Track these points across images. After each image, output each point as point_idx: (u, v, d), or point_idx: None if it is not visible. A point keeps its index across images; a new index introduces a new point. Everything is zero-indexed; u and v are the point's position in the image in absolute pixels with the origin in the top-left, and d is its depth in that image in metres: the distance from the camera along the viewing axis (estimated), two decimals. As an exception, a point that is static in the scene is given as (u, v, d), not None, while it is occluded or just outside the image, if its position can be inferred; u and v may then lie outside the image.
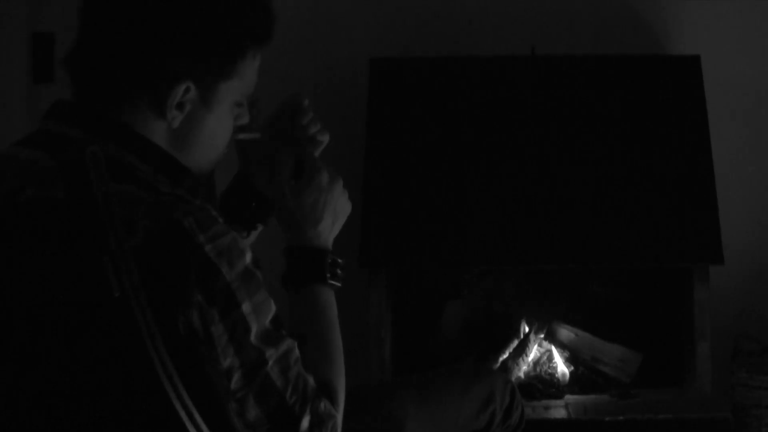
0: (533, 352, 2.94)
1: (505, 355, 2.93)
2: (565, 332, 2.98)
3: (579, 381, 2.92)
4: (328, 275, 1.51)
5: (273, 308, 1.35)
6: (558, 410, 2.75)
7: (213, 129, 1.42)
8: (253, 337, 1.30)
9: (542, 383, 2.87)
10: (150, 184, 1.31)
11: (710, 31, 3.12)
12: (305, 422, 1.36)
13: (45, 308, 1.26)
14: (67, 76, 1.41)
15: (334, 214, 1.53)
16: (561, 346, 2.96)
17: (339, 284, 1.52)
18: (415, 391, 1.80)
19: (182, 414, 1.23)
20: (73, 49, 1.40)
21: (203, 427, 1.24)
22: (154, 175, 1.34)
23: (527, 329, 2.98)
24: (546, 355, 2.94)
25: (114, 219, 1.23)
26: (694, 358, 2.80)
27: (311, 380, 1.38)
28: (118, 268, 1.21)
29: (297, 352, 1.37)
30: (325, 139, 1.61)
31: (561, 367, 2.92)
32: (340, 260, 1.53)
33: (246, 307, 1.29)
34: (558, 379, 2.89)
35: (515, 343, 2.95)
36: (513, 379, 2.80)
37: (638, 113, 2.90)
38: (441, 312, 3.05)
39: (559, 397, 2.84)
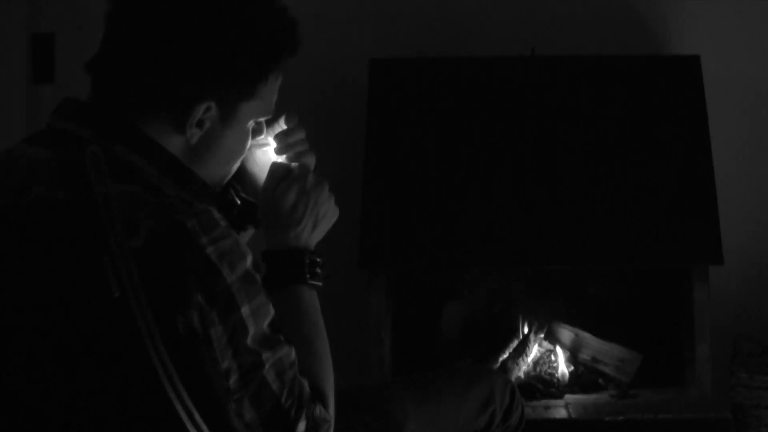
0: (533, 352, 2.94)
1: (505, 356, 2.93)
2: (565, 332, 2.98)
3: (579, 381, 2.92)
4: (308, 275, 1.50)
5: (271, 312, 1.35)
6: (558, 410, 2.75)
7: (230, 146, 1.44)
8: (249, 340, 1.30)
9: (542, 383, 2.87)
10: (154, 186, 1.31)
11: (710, 31, 3.12)
12: (301, 426, 1.36)
13: (45, 308, 1.26)
14: (89, 78, 1.40)
15: (315, 216, 1.53)
16: (561, 346, 2.96)
17: (320, 284, 1.52)
18: (415, 392, 1.80)
19: (182, 414, 1.23)
20: (99, 55, 1.39)
21: (203, 426, 1.24)
22: (160, 177, 1.34)
23: (527, 329, 2.98)
24: (546, 355, 2.94)
25: (114, 219, 1.23)
26: (694, 358, 2.80)
27: (306, 385, 1.38)
28: (117, 268, 1.21)
29: (293, 356, 1.37)
30: (310, 161, 1.60)
31: (561, 367, 2.92)
32: (319, 259, 1.53)
33: (245, 310, 1.30)
34: (558, 379, 2.89)
35: (515, 343, 2.95)
36: (513, 379, 2.81)
37: (638, 113, 2.90)
38: (441, 312, 3.05)
39: (559, 397, 2.84)
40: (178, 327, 1.24)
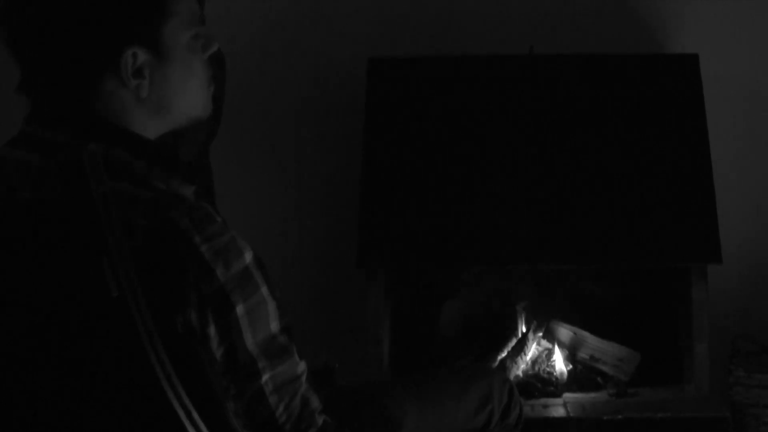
0: (532, 351, 2.94)
1: (504, 354, 2.93)
2: (564, 331, 2.98)
3: (577, 380, 2.92)
4: None
5: (275, 311, 1.32)
6: (556, 409, 2.75)
7: (182, 75, 1.39)
8: (250, 344, 1.29)
9: (541, 382, 2.87)
10: (145, 180, 1.30)
11: (709, 30, 3.12)
12: None
13: (44, 309, 1.26)
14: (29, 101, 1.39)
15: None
16: (559, 344, 2.96)
17: None
18: (414, 391, 1.80)
19: (180, 413, 1.23)
20: (23, 75, 1.39)
21: (201, 426, 1.24)
22: (149, 169, 1.33)
23: (525, 328, 2.98)
24: (544, 354, 2.94)
25: (112, 219, 1.23)
26: (693, 357, 2.80)
27: (316, 401, 1.35)
28: (116, 269, 1.21)
29: (302, 370, 1.34)
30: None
31: (559, 366, 2.92)
32: None
33: (240, 310, 1.28)
34: (556, 378, 2.89)
35: (513, 341, 2.96)
36: (511, 377, 2.81)
37: (636, 112, 2.90)
38: (439, 311, 3.05)
39: (558, 395, 2.84)
40: (177, 326, 1.24)
